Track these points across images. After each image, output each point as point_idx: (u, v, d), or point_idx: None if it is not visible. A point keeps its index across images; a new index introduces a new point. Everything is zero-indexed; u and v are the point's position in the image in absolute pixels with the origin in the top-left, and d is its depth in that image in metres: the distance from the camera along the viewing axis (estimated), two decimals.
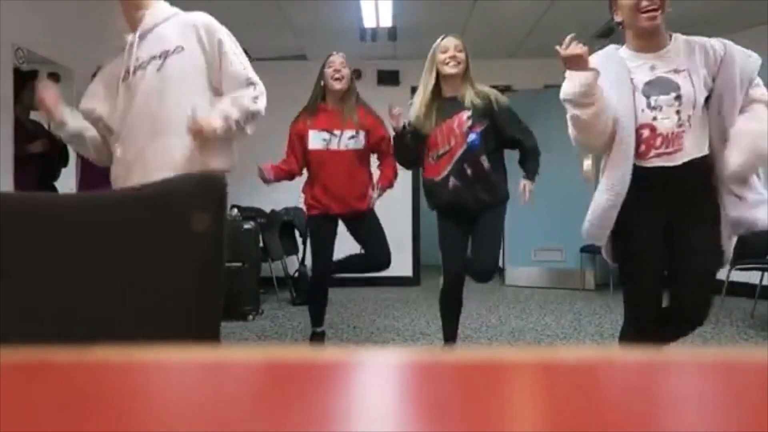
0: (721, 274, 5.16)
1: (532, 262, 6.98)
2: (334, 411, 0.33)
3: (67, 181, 4.22)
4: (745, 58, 2.35)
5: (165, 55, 2.29)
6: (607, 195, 2.38)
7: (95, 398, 0.35)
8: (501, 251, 3.73)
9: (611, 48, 2.49)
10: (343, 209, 3.77)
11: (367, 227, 3.86)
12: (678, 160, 2.34)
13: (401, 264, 7.32)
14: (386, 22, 5.90)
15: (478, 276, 3.50)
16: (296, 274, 6.28)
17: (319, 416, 0.32)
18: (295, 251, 6.47)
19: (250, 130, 2.38)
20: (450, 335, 3.68)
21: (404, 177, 7.38)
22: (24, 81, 3.82)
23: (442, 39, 3.40)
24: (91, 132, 2.46)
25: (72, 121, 2.43)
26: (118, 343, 0.42)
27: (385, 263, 3.92)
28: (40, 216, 0.93)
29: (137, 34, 2.34)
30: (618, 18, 2.43)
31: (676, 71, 2.35)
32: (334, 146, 3.70)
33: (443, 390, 0.37)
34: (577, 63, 2.28)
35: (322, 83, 3.73)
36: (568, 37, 2.27)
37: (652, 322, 2.45)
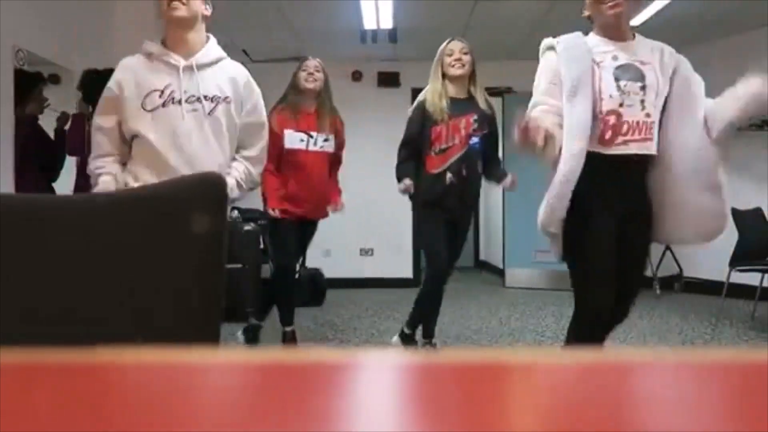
0: (722, 276, 5.20)
1: (532, 264, 6.98)
2: (334, 412, 0.33)
3: (67, 183, 4.22)
4: (693, 75, 2.41)
5: (217, 101, 2.41)
6: (562, 172, 2.31)
7: (95, 399, 0.35)
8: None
9: (577, 34, 2.47)
10: (311, 213, 3.83)
11: (311, 235, 4.00)
12: (650, 149, 2.34)
13: (401, 266, 7.31)
14: (386, 23, 5.90)
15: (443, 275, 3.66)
16: (296, 276, 6.27)
17: (319, 417, 0.32)
18: None
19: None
20: (432, 332, 3.84)
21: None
22: (31, 82, 3.83)
23: (448, 42, 3.52)
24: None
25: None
26: (119, 345, 0.42)
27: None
28: (40, 217, 0.93)
29: (190, 64, 2.40)
30: (586, 12, 2.45)
31: (642, 63, 2.36)
32: (311, 147, 3.72)
33: (443, 391, 0.37)
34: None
35: (297, 85, 3.74)
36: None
37: (607, 314, 2.41)
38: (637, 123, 2.31)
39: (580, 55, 2.37)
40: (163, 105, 2.36)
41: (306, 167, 3.72)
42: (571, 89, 2.31)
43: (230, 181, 2.43)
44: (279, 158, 3.70)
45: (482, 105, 3.50)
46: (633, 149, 2.32)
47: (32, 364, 0.41)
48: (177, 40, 2.43)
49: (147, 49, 2.45)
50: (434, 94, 3.48)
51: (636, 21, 5.67)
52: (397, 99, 6.85)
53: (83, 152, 3.88)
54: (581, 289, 2.46)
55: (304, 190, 3.74)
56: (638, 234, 2.44)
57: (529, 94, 2.47)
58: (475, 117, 3.46)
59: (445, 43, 3.53)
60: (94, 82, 3.54)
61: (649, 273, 6.65)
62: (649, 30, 5.91)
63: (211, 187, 0.89)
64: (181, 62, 2.40)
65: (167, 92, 2.36)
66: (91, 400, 0.35)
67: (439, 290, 3.64)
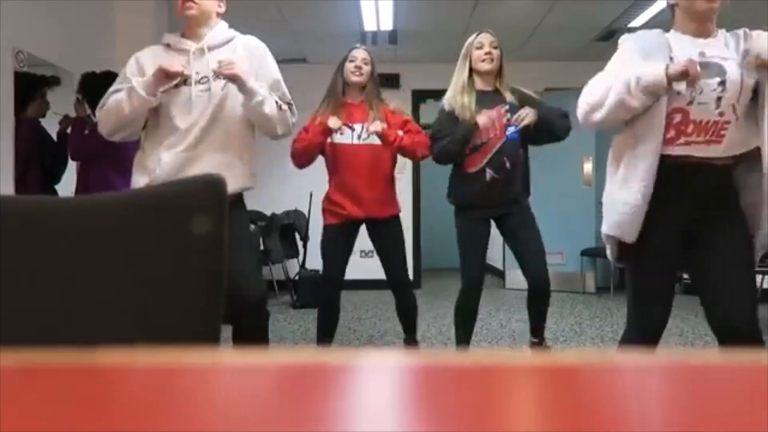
0: None
1: None
2: (335, 414, 0.33)
3: (67, 184, 4.22)
4: None
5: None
6: (637, 187, 2.13)
7: (96, 401, 0.36)
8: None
9: (657, 30, 2.28)
10: (362, 213, 3.48)
11: (391, 238, 3.62)
12: (711, 152, 2.11)
13: None
14: (387, 25, 5.90)
15: (538, 288, 3.53)
16: (297, 277, 6.28)
17: (319, 419, 0.32)
18: (296, 254, 6.46)
19: (266, 127, 2.55)
20: (464, 345, 3.54)
21: (405, 179, 7.40)
22: (34, 85, 3.83)
23: (478, 35, 3.37)
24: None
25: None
26: (120, 347, 0.42)
27: (402, 285, 3.65)
28: (41, 219, 0.93)
29: (201, 46, 2.48)
30: (672, 0, 2.26)
31: (723, 58, 2.15)
32: (355, 140, 3.42)
33: (443, 393, 0.37)
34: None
35: (342, 77, 3.48)
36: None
37: (659, 328, 2.28)
38: (709, 122, 2.10)
39: (656, 49, 2.17)
40: (176, 86, 2.43)
41: (347, 162, 3.43)
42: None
43: (268, 98, 2.46)
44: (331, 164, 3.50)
45: (509, 99, 3.31)
46: (692, 150, 2.11)
47: (33, 366, 0.41)
48: (192, 34, 2.55)
49: (165, 39, 2.58)
50: (456, 89, 3.33)
51: (637, 22, 5.68)
52: (398, 101, 6.83)
53: (84, 156, 3.89)
54: (632, 304, 2.33)
55: (348, 189, 3.44)
56: (721, 231, 2.16)
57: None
58: (506, 107, 3.28)
59: (473, 36, 3.37)
60: (93, 85, 3.54)
61: None
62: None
63: (212, 189, 0.89)
64: (193, 46, 2.50)
65: (179, 79, 2.44)
66: (92, 402, 0.35)
67: (468, 305, 3.45)
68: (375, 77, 3.53)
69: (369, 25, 5.87)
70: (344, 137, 3.40)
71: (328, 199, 3.55)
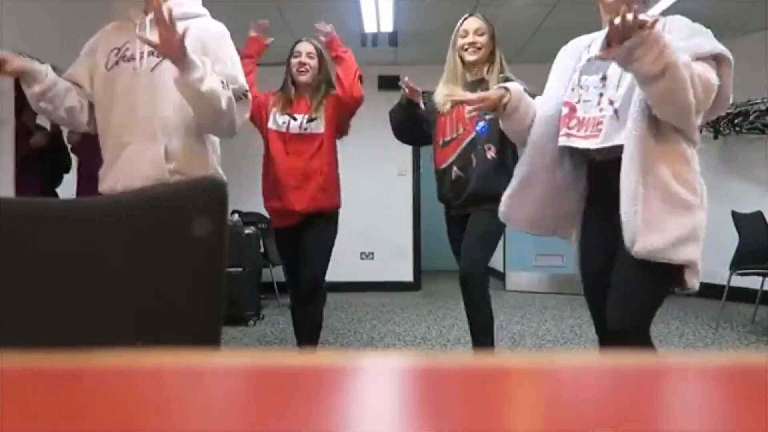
0: (722, 279, 5.19)
1: (532, 267, 6.98)
2: (335, 416, 0.33)
3: (67, 187, 4.23)
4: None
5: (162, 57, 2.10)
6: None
7: (96, 403, 0.35)
8: (490, 256, 3.18)
9: (598, 33, 2.26)
10: (303, 205, 3.24)
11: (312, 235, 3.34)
12: (586, 144, 2.05)
13: (402, 269, 7.32)
14: (387, 27, 5.91)
15: (461, 283, 3.11)
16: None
17: (319, 421, 0.32)
18: None
19: (202, 115, 2.13)
20: (479, 342, 3.18)
21: (405, 181, 7.42)
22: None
23: (464, 20, 3.13)
24: (70, 87, 2.29)
25: (45, 71, 2.26)
26: (119, 349, 0.42)
27: (310, 287, 3.48)
28: (40, 221, 0.93)
29: (148, 18, 2.17)
30: None
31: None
32: (293, 130, 3.25)
33: (444, 395, 0.37)
34: None
35: (290, 75, 3.36)
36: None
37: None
38: (589, 119, 2.05)
39: (567, 57, 2.26)
40: (116, 63, 2.20)
41: (283, 152, 3.27)
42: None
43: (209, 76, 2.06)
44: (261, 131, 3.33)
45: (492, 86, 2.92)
46: (571, 142, 2.08)
47: (33, 368, 0.41)
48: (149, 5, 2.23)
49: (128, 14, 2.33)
50: (442, 81, 3.14)
51: None
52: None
53: (86, 151, 3.90)
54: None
55: (283, 180, 3.27)
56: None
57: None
58: None
59: (460, 21, 3.13)
60: None
61: None
62: None
63: (212, 190, 0.89)
64: (138, 19, 2.23)
65: (122, 49, 2.22)
66: (92, 404, 0.35)
67: (467, 298, 3.10)
68: (325, 68, 3.36)
69: (369, 27, 5.88)
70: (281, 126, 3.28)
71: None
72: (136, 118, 2.14)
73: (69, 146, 4.07)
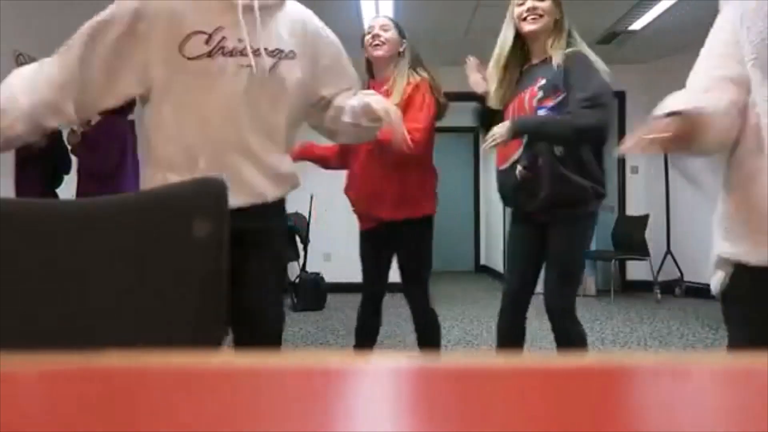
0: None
1: None
2: (335, 416, 0.33)
3: (68, 188, 4.22)
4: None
5: (279, 56, 1.73)
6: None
7: (96, 404, 0.35)
8: (575, 290, 2.58)
9: None
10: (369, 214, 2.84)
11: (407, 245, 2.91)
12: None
13: None
14: None
15: (548, 314, 2.53)
16: (297, 281, 6.28)
17: (320, 422, 0.32)
18: (296, 257, 6.46)
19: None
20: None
21: None
22: None
23: None
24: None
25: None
26: (121, 349, 0.42)
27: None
28: (41, 222, 0.93)
29: (244, 3, 1.67)
30: None
31: None
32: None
33: (443, 395, 0.37)
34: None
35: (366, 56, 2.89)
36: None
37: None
38: None
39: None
40: (209, 55, 1.63)
41: (356, 155, 2.77)
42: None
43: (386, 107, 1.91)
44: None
45: (556, 66, 2.35)
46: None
47: (33, 370, 0.41)
48: None
49: None
50: (491, 74, 2.54)
51: (638, 24, 5.68)
52: None
53: (85, 152, 3.89)
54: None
55: (355, 187, 2.83)
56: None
57: None
58: (542, 83, 2.35)
59: None
60: None
61: (650, 277, 6.65)
62: (652, 32, 5.86)
63: (212, 191, 0.89)
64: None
65: (216, 38, 1.64)
66: (92, 405, 0.35)
67: (508, 317, 2.63)
68: (407, 46, 2.87)
69: None
70: None
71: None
72: (253, 130, 1.69)
73: (69, 147, 4.06)
